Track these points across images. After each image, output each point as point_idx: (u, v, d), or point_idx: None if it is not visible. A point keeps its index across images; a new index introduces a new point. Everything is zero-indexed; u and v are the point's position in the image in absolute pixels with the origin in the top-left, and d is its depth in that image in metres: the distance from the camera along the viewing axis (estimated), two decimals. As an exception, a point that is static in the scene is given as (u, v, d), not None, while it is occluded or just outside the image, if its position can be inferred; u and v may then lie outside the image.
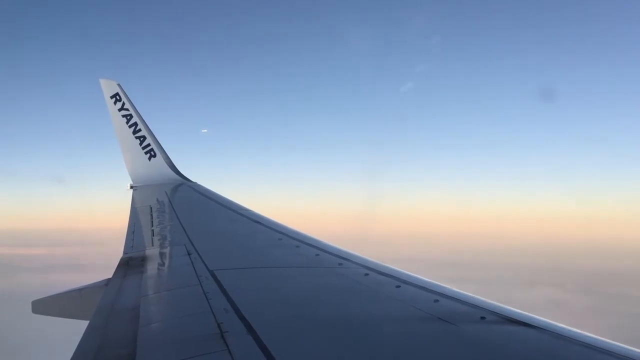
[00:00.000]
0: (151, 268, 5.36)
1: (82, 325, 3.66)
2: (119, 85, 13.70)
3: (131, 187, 13.02)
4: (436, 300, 3.55)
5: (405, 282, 4.08)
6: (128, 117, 13.53)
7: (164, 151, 13.66)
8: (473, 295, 3.66)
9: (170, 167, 13.55)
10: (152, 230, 7.62)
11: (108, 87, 13.68)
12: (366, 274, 4.37)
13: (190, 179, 13.33)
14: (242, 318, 3.19)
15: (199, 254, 5.27)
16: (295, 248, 5.60)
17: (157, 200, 10.94)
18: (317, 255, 5.20)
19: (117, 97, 13.58)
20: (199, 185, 12.60)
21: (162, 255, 6.03)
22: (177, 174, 13.48)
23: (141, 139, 13.51)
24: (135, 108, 13.63)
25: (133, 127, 13.50)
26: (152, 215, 9.01)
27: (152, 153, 13.52)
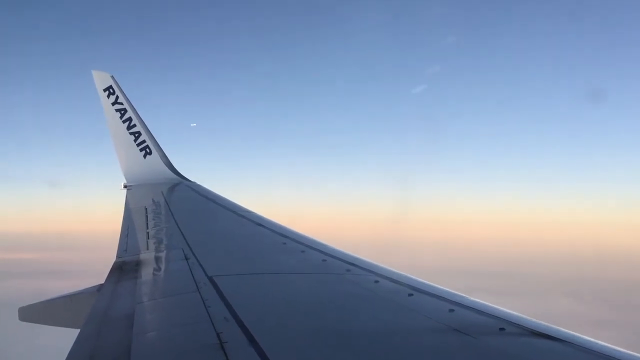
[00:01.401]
0: (146, 273, 5.38)
1: (72, 334, 3.68)
2: (112, 77, 13.75)
3: (125, 187, 13.05)
4: (452, 310, 3.55)
5: (418, 290, 4.08)
6: (122, 112, 13.58)
7: (160, 148, 13.70)
8: (491, 305, 3.65)
9: (166, 165, 13.58)
10: (147, 232, 7.64)
11: (101, 80, 13.73)
12: (376, 281, 4.37)
13: (189, 178, 13.36)
14: (243, 327, 3.20)
15: (197, 259, 5.29)
16: (301, 253, 5.61)
17: (153, 200, 10.98)
18: (324, 260, 5.21)
19: (111, 90, 13.63)
20: (198, 185, 12.63)
21: (157, 259, 6.05)
22: (174, 172, 13.51)
23: (136, 135, 13.55)
24: (130, 102, 13.68)
25: (127, 123, 13.55)
26: (147, 216, 9.04)
27: (148, 150, 13.55)
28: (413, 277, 4.53)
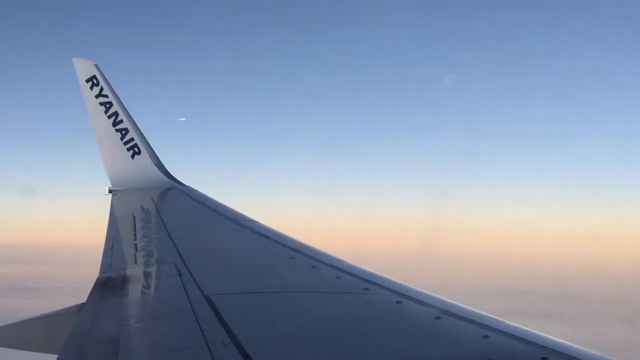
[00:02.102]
0: (133, 291, 5.40)
1: (49, 360, 3.70)
2: (96, 66, 13.80)
3: (110, 192, 13.10)
4: (486, 336, 3.53)
5: (447, 312, 4.06)
6: (107, 106, 13.64)
7: (150, 147, 13.72)
8: (532, 331, 3.63)
9: (157, 167, 13.61)
10: (135, 244, 7.68)
11: (83, 68, 13.79)
12: (398, 302, 4.36)
13: (183, 181, 13.39)
14: (245, 355, 3.20)
15: (192, 275, 5.30)
16: (312, 269, 5.60)
17: (142, 207, 11.02)
18: (339, 278, 5.20)
19: (94, 81, 13.69)
20: (193, 190, 12.65)
21: (146, 275, 6.08)
22: (166, 175, 13.53)
23: (123, 132, 13.60)
24: (116, 94, 13.72)
25: (113, 118, 13.60)
26: (135, 226, 9.09)
27: (136, 150, 13.59)
28: (440, 297, 4.51)
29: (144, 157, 13.57)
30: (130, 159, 13.54)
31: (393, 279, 5.15)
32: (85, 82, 13.69)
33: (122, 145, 13.56)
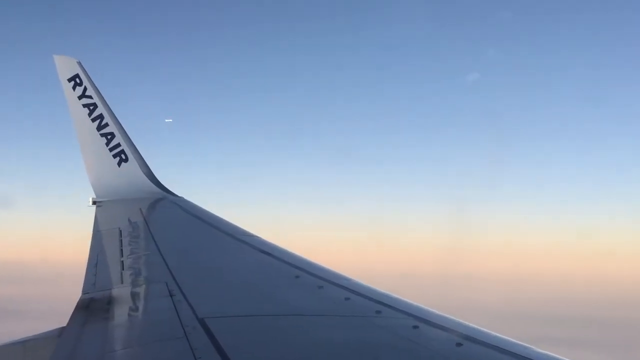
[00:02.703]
0: (120, 314, 5.41)
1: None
2: (79, 64, 13.85)
3: (94, 203, 13.12)
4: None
5: (469, 338, 4.05)
6: (91, 107, 13.68)
7: (138, 154, 13.75)
8: (563, 359, 3.62)
9: (147, 175, 13.63)
10: (122, 262, 7.70)
11: (65, 67, 13.84)
12: (415, 327, 4.35)
13: (174, 192, 13.41)
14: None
15: (184, 296, 5.30)
16: (318, 289, 5.60)
17: (129, 220, 11.04)
18: (347, 299, 5.19)
19: (77, 80, 13.74)
20: (186, 201, 12.67)
21: (134, 296, 6.08)
22: (156, 185, 13.55)
23: (108, 137, 13.64)
24: (102, 95, 13.77)
25: (98, 121, 13.64)
26: (121, 241, 9.10)
27: (123, 156, 13.63)
28: (462, 321, 4.50)
29: (131, 165, 13.59)
30: (117, 166, 13.56)
31: (408, 300, 5.14)
32: (67, 82, 13.72)
33: (108, 151, 13.59)
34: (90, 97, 13.66)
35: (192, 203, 12.34)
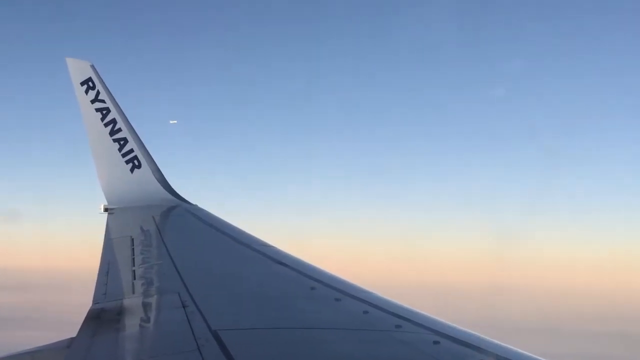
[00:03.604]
0: (130, 325, 5.42)
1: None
2: (92, 67, 13.93)
3: (105, 210, 13.17)
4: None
5: (491, 355, 4.03)
6: (104, 112, 13.74)
7: (152, 160, 13.78)
8: None
9: (160, 182, 13.66)
10: (133, 271, 7.72)
11: (78, 70, 13.91)
12: (435, 342, 4.33)
13: (188, 199, 13.44)
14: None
15: (197, 307, 5.31)
16: (335, 302, 5.59)
17: (141, 228, 11.08)
18: (366, 312, 5.18)
19: (90, 84, 13.81)
20: (200, 209, 12.69)
21: (146, 307, 6.10)
22: (169, 192, 13.58)
23: (121, 142, 13.68)
24: (115, 99, 13.83)
25: (111, 126, 13.70)
26: (133, 250, 9.13)
27: (136, 162, 13.66)
28: (485, 337, 4.47)
29: (144, 171, 13.61)
30: (129, 173, 13.60)
31: (429, 315, 5.11)
32: (80, 85, 13.78)
33: (120, 157, 13.62)
34: (103, 101, 13.71)
35: (206, 211, 12.34)
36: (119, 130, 13.65)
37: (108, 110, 13.71)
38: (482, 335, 4.52)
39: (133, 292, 6.65)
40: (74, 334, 5.14)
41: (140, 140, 13.79)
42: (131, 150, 13.61)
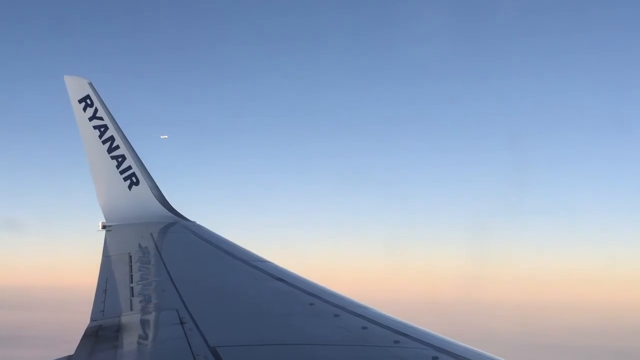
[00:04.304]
0: (129, 342, 5.41)
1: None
2: (90, 84, 13.96)
3: (103, 227, 13.17)
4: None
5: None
6: (102, 129, 13.77)
7: (150, 177, 13.81)
8: None
9: (158, 199, 13.67)
10: (131, 288, 7.71)
11: (76, 87, 13.95)
12: (434, 358, 4.33)
13: (187, 216, 13.45)
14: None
15: (195, 323, 5.30)
16: (334, 318, 5.58)
17: (139, 245, 11.08)
18: (365, 328, 5.17)
19: (88, 102, 13.84)
20: (198, 226, 12.70)
21: (144, 323, 6.09)
22: (167, 209, 13.59)
23: (119, 159, 13.71)
24: (113, 117, 13.86)
25: (109, 143, 13.72)
26: (131, 266, 9.13)
27: (134, 179, 13.68)
28: (483, 352, 4.47)
29: (142, 188, 13.63)
30: (127, 189, 13.62)
31: (428, 330, 5.11)
32: (78, 103, 13.82)
33: (118, 174, 13.64)
34: (101, 118, 13.74)
35: (204, 228, 12.35)
36: (117, 147, 13.68)
37: (106, 127, 13.74)
38: (481, 351, 4.52)
39: (131, 309, 6.64)
40: (71, 351, 5.13)
41: (138, 157, 13.82)
42: (129, 167, 13.64)
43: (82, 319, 6.33)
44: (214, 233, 11.62)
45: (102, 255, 10.47)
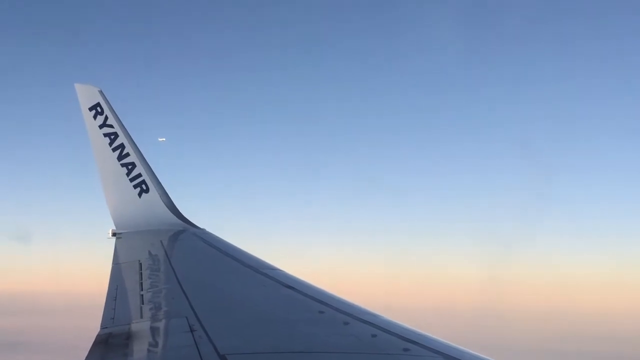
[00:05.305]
0: (138, 349, 5.42)
1: None
2: (100, 92, 14.02)
3: (113, 235, 13.20)
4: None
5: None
6: (112, 137, 13.82)
7: (160, 184, 13.83)
8: None
9: (168, 206, 13.70)
10: (141, 295, 7.73)
11: (86, 95, 14.01)
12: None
13: (196, 223, 13.46)
14: None
15: (205, 331, 5.31)
16: (344, 325, 5.58)
17: (149, 253, 11.10)
18: (375, 336, 5.16)
19: (98, 109, 13.90)
20: (208, 233, 12.71)
21: (154, 331, 6.10)
22: (177, 216, 13.61)
23: (129, 167, 13.75)
24: (123, 124, 13.91)
25: (119, 151, 13.77)
26: (141, 274, 9.15)
27: (144, 187, 13.72)
28: None
29: (152, 196, 13.66)
30: (137, 197, 13.65)
31: (438, 338, 5.10)
32: (89, 111, 13.89)
33: (128, 182, 13.69)
34: (111, 126, 13.80)
35: (214, 235, 12.36)
36: (127, 154, 13.73)
37: (116, 135, 13.80)
38: (491, 358, 4.50)
39: (141, 317, 6.65)
40: (82, 358, 5.14)
41: (148, 164, 13.87)
42: (139, 175, 13.68)
43: (92, 326, 6.34)
44: (223, 240, 11.63)
45: (112, 263, 10.50)
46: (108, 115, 13.82)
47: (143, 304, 7.30)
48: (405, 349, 4.73)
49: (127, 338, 5.70)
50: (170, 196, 13.86)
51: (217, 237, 12.14)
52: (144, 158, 13.86)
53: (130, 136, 13.90)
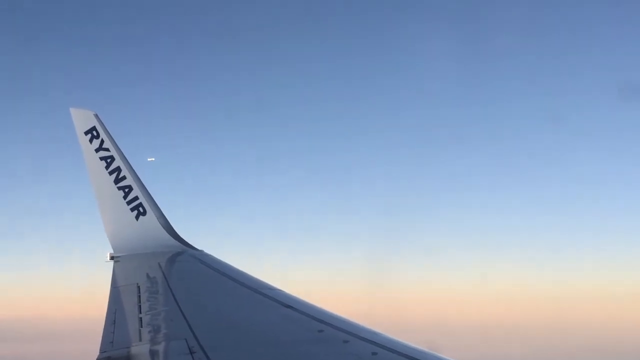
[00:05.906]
0: (138, 373, 5.39)
1: None
2: (96, 116, 14.03)
3: (111, 258, 13.18)
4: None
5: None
6: (108, 160, 13.82)
7: (157, 207, 13.83)
8: None
9: (165, 229, 13.69)
10: (140, 318, 7.70)
11: (82, 120, 14.02)
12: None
13: (194, 245, 13.44)
14: None
15: (204, 353, 5.29)
16: (343, 344, 5.56)
17: (148, 275, 11.08)
18: (375, 354, 5.15)
19: (94, 133, 13.91)
20: (206, 255, 12.69)
21: (153, 354, 6.07)
22: (175, 238, 13.60)
23: (126, 190, 13.75)
24: (119, 147, 13.92)
25: (115, 174, 13.77)
26: (139, 297, 9.12)
27: (141, 210, 13.71)
28: None
29: (149, 218, 13.66)
30: (135, 220, 13.65)
31: (442, 355, 5.08)
32: (84, 135, 13.90)
33: (125, 204, 13.69)
34: (107, 149, 13.82)
35: (212, 256, 12.35)
36: (124, 178, 13.74)
37: (112, 158, 13.81)
38: None
39: (140, 340, 6.62)
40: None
41: (144, 187, 13.88)
42: (136, 198, 13.69)
43: (91, 350, 6.31)
44: (221, 261, 11.63)
45: (111, 286, 10.47)
46: (104, 139, 13.83)
47: (142, 326, 7.27)
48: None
49: None
50: (167, 218, 13.88)
51: (215, 258, 12.14)
52: (140, 181, 13.87)
53: (126, 159, 13.92)
